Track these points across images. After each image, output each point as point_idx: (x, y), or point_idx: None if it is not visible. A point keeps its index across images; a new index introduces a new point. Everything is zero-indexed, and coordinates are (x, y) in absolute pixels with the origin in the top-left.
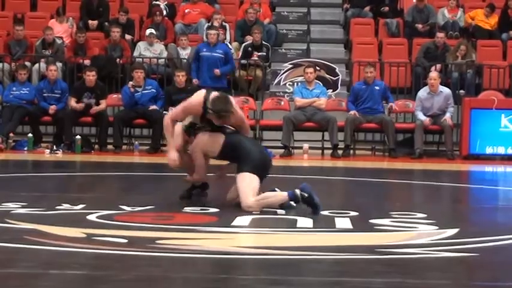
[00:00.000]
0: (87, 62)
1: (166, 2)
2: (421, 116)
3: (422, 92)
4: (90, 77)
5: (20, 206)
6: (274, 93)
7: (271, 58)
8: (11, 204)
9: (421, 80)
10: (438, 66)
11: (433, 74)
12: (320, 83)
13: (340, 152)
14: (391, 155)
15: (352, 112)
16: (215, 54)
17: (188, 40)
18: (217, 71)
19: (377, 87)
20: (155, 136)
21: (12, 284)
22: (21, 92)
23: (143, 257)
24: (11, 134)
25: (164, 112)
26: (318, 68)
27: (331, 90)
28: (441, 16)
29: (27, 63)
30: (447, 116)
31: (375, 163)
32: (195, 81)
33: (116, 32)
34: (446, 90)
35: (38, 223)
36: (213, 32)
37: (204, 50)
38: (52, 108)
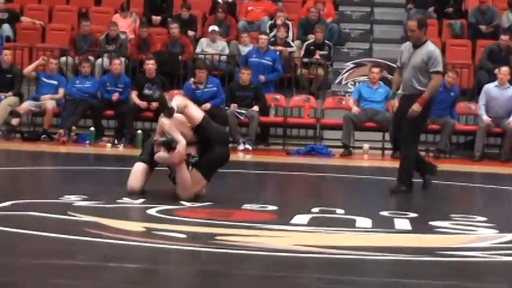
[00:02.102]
0: None
1: None
2: (483, 114)
3: (489, 86)
4: (150, 65)
5: (81, 198)
6: (336, 92)
7: (333, 57)
8: (72, 197)
9: (484, 82)
10: (504, 69)
11: (504, 69)
12: (382, 82)
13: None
14: (435, 156)
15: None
16: (264, 61)
17: (250, 37)
18: (262, 78)
19: (452, 93)
20: None
21: (71, 275)
22: (85, 85)
23: (202, 253)
24: (74, 128)
25: (226, 108)
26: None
27: None
28: (506, 18)
29: (91, 58)
30: (511, 119)
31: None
32: None
33: (174, 28)
34: None
35: (99, 216)
36: (264, 37)
37: (254, 55)
38: (115, 95)
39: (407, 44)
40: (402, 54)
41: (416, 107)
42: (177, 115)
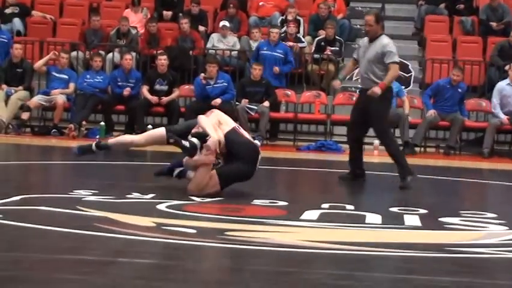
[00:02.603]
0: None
1: None
2: (500, 113)
3: (501, 84)
4: (162, 61)
5: (91, 193)
6: (346, 88)
7: (344, 53)
8: (82, 192)
9: (495, 79)
10: None
11: None
12: None
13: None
14: (445, 152)
15: (431, 112)
16: (275, 53)
17: (261, 33)
18: (276, 69)
19: (460, 90)
20: None
21: (81, 270)
22: (95, 80)
23: (212, 248)
24: (84, 122)
25: (236, 103)
26: None
27: (403, 87)
28: None
29: (102, 52)
30: None
31: (445, 161)
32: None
33: (184, 23)
34: None
35: (109, 211)
36: (275, 30)
37: (265, 48)
38: (127, 90)
39: (364, 39)
40: (359, 49)
41: (376, 89)
42: (216, 114)
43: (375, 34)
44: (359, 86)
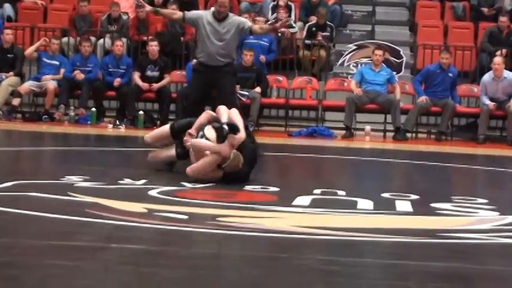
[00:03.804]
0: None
1: None
2: (486, 100)
3: (487, 77)
4: (153, 47)
5: (82, 179)
6: (338, 74)
7: (336, 39)
8: (74, 178)
9: (486, 64)
10: (504, 50)
11: (497, 59)
12: (384, 65)
13: (401, 134)
14: (437, 138)
15: (423, 98)
16: (261, 42)
17: (251, 18)
18: (262, 58)
19: (450, 74)
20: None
21: (73, 256)
22: (86, 68)
23: (203, 234)
24: (82, 109)
25: None
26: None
27: (395, 73)
28: (508, 1)
29: (92, 38)
30: None
31: (436, 147)
32: None
33: (172, 8)
34: (511, 76)
35: (100, 197)
36: (261, 19)
37: (251, 37)
38: (117, 81)
39: (207, 14)
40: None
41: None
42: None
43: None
44: (351, 72)
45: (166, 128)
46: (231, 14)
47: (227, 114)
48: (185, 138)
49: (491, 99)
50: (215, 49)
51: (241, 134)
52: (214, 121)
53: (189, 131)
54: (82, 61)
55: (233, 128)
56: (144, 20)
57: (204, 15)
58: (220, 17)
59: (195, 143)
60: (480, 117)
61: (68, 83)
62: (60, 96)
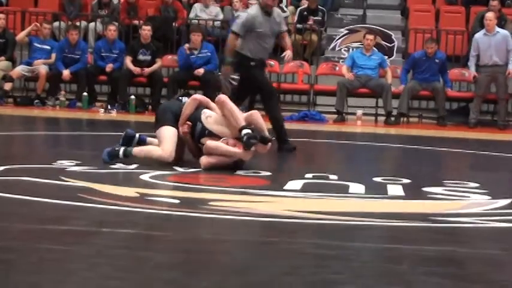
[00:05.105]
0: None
1: None
2: (472, 67)
3: (479, 34)
4: (146, 31)
5: (74, 164)
6: (329, 58)
7: (327, 23)
8: (65, 162)
9: None
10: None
11: (489, 14)
12: (375, 49)
13: (393, 119)
14: (439, 123)
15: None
16: None
17: (242, 3)
18: None
19: (437, 60)
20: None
21: (66, 240)
22: (74, 55)
23: (195, 218)
24: (85, 94)
25: (219, 74)
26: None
27: (386, 57)
28: None
29: (83, 23)
30: (510, 67)
31: (428, 131)
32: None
33: None
34: (503, 31)
35: (92, 181)
36: (253, 1)
37: None
38: (109, 67)
39: (257, 12)
40: (252, 25)
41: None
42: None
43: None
44: (342, 56)
45: (173, 130)
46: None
47: (252, 118)
48: (181, 132)
49: (483, 60)
50: (270, 44)
51: (269, 145)
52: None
53: (180, 123)
54: (70, 48)
55: (264, 140)
56: (134, 4)
57: (251, 16)
58: (270, 11)
59: (215, 147)
60: (474, 100)
61: (58, 73)
62: (51, 86)
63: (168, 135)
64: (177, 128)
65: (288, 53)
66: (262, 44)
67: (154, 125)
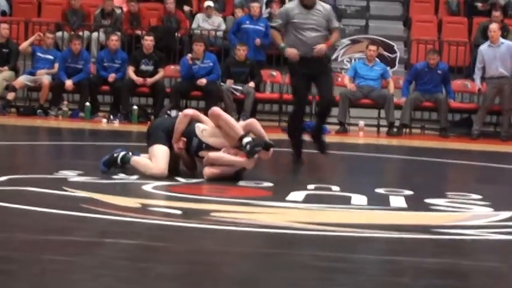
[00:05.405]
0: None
1: None
2: (477, 80)
3: (483, 46)
4: (148, 41)
5: (76, 174)
6: (332, 68)
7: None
8: (68, 172)
9: None
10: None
11: (493, 26)
12: (378, 60)
13: (395, 130)
14: (441, 135)
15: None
16: (258, 27)
17: (245, 13)
18: (258, 40)
19: (439, 71)
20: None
21: (68, 251)
22: (77, 66)
23: (197, 229)
24: (87, 104)
25: (221, 84)
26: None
27: (388, 68)
28: None
29: (86, 32)
30: None
31: (430, 142)
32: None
33: (169, 3)
34: (508, 42)
35: (94, 192)
36: (255, 5)
37: (247, 22)
38: (112, 77)
39: (295, 6)
40: (287, 16)
41: (325, 47)
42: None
43: (313, 0)
44: (345, 67)
45: (165, 148)
46: (319, 1)
47: (251, 126)
48: (176, 148)
49: (489, 72)
50: (310, 37)
51: (272, 151)
52: (244, 136)
53: (175, 140)
54: (73, 58)
55: (267, 146)
56: (136, 14)
57: (285, 9)
58: (309, 4)
59: (218, 158)
60: (479, 111)
61: (61, 83)
62: (53, 96)
63: (161, 153)
64: (171, 145)
65: (321, 45)
66: (299, 37)
67: (147, 142)
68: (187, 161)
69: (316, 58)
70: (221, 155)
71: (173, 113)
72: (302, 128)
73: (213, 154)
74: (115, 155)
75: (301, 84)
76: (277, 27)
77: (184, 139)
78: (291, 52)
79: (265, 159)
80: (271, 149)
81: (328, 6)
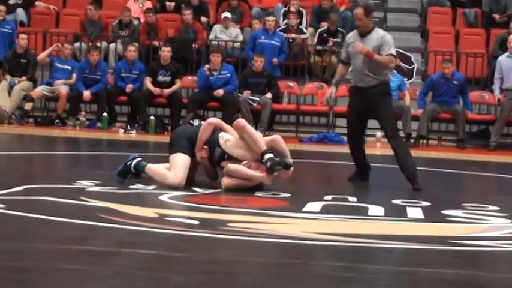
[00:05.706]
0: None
1: None
2: (497, 90)
3: (503, 56)
4: (166, 52)
5: (94, 184)
6: (349, 80)
7: None
8: (85, 182)
9: None
10: None
11: None
12: (395, 71)
13: (412, 141)
14: (459, 146)
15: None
16: (273, 42)
17: (262, 24)
18: (275, 60)
19: (455, 82)
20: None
21: (85, 261)
22: (94, 76)
23: (215, 239)
24: (104, 114)
25: (239, 95)
26: None
27: (406, 79)
28: None
29: (104, 43)
30: None
31: (448, 154)
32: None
33: (187, 14)
34: None
35: (112, 202)
36: (271, 18)
37: (262, 37)
38: (129, 87)
39: (352, 35)
40: (347, 47)
41: (366, 49)
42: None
43: (367, 28)
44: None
45: (186, 157)
46: (376, 29)
47: (275, 143)
48: (198, 157)
49: (506, 83)
50: (358, 65)
51: (292, 170)
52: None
53: (198, 148)
54: (91, 69)
55: (287, 166)
56: (154, 25)
57: (347, 38)
58: (363, 31)
59: (235, 171)
60: (496, 122)
61: (79, 93)
62: (71, 106)
63: (181, 162)
64: (192, 154)
65: (362, 45)
66: (353, 66)
67: (169, 149)
68: (209, 171)
69: (368, 88)
70: (240, 168)
71: (195, 122)
72: (360, 153)
73: (232, 166)
74: (128, 163)
75: (352, 118)
76: (342, 59)
77: (207, 148)
78: (328, 92)
79: (284, 178)
80: (291, 169)
81: (382, 33)
